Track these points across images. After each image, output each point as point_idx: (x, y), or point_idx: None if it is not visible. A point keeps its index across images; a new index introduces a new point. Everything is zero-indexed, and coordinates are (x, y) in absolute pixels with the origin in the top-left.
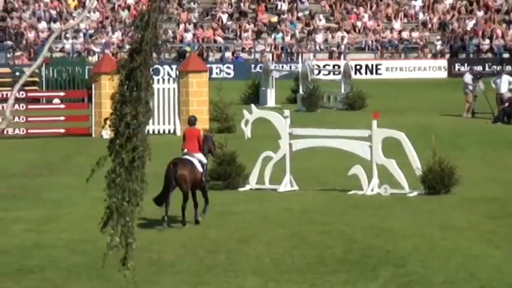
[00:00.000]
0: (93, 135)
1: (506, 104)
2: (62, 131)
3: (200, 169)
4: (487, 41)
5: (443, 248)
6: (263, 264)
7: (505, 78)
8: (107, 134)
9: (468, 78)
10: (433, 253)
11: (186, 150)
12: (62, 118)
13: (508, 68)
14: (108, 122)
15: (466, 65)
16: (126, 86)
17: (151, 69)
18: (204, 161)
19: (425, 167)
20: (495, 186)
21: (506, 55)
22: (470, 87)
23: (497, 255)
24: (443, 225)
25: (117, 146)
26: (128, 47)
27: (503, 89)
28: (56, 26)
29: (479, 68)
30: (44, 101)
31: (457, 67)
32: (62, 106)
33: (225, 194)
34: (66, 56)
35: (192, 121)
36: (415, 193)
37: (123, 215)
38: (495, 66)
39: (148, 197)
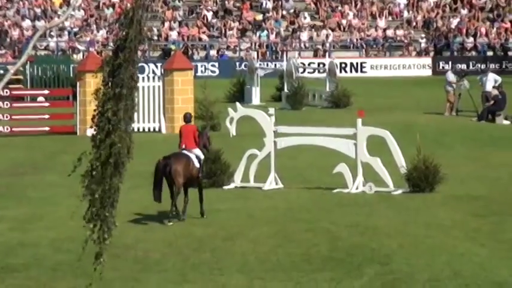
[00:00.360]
0: (78, 133)
1: (492, 102)
2: (47, 129)
3: (197, 164)
4: (471, 39)
5: (428, 246)
6: (248, 262)
7: (491, 76)
8: (91, 132)
9: (451, 77)
10: (417, 251)
11: (184, 147)
12: (47, 116)
13: (492, 65)
14: (95, 121)
15: (450, 63)
16: (109, 83)
17: (135, 66)
18: (202, 156)
19: (410, 165)
20: (479, 184)
21: (490, 53)
22: (454, 86)
23: (481, 253)
24: (428, 223)
25: (96, 141)
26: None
27: (489, 87)
28: (40, 24)
29: (463, 66)
30: (29, 99)
31: (441, 65)
32: (47, 104)
33: (210, 192)
34: (51, 54)
35: (187, 118)
36: (399, 191)
37: (102, 210)
38: (479, 65)
39: (133, 194)
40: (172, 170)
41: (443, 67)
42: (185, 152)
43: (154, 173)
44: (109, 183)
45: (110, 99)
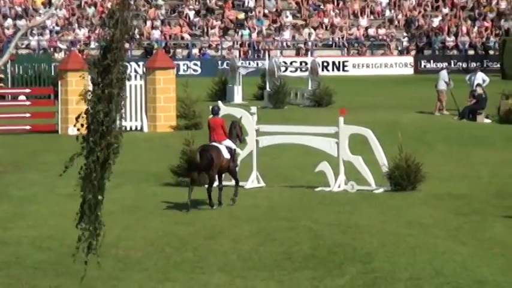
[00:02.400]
0: (59, 132)
1: (474, 101)
2: (28, 127)
3: (227, 155)
4: (453, 37)
5: (410, 245)
6: (230, 260)
7: (479, 75)
8: (73, 130)
9: (445, 75)
10: (399, 249)
11: (214, 139)
12: (28, 115)
13: (473, 64)
14: (80, 120)
15: (432, 61)
16: (99, 84)
17: (123, 66)
18: (233, 146)
19: (392, 164)
20: (461, 182)
21: (471, 52)
22: (451, 85)
23: (463, 251)
24: (410, 222)
25: (91, 144)
26: (94, 44)
27: (478, 86)
28: (21, 23)
29: (444, 65)
30: (10, 98)
31: (423, 64)
32: (28, 103)
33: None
34: (32, 53)
35: (215, 111)
36: (381, 190)
37: (96, 211)
38: (460, 63)
39: (115, 193)
40: (205, 161)
41: (425, 66)
42: (215, 143)
43: (189, 163)
44: (103, 183)
45: (100, 100)
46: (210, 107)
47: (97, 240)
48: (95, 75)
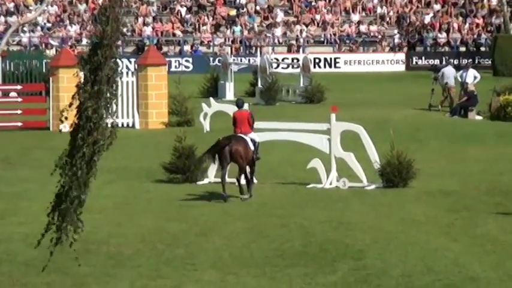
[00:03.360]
0: (51, 128)
1: (465, 98)
2: (20, 124)
3: (252, 147)
4: (444, 34)
5: (401, 241)
6: (222, 257)
7: (471, 72)
8: (65, 127)
9: (453, 71)
10: (391, 246)
11: (239, 131)
12: (19, 112)
13: (465, 61)
14: (64, 114)
15: (423, 58)
16: (89, 81)
17: (115, 63)
18: (257, 139)
19: (384, 161)
20: (452, 179)
21: (462, 48)
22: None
23: (454, 248)
24: (401, 219)
25: (78, 140)
26: (85, 40)
27: (469, 82)
28: (12, 19)
29: (436, 62)
30: (1, 95)
31: (414, 60)
32: (19, 99)
33: (184, 187)
34: (23, 50)
35: (240, 104)
36: (373, 186)
37: (79, 206)
38: (452, 60)
39: (106, 190)
40: (234, 150)
41: (416, 62)
42: (242, 135)
43: (213, 146)
44: (88, 180)
45: (91, 97)
46: (235, 101)
47: (72, 236)
48: (86, 72)
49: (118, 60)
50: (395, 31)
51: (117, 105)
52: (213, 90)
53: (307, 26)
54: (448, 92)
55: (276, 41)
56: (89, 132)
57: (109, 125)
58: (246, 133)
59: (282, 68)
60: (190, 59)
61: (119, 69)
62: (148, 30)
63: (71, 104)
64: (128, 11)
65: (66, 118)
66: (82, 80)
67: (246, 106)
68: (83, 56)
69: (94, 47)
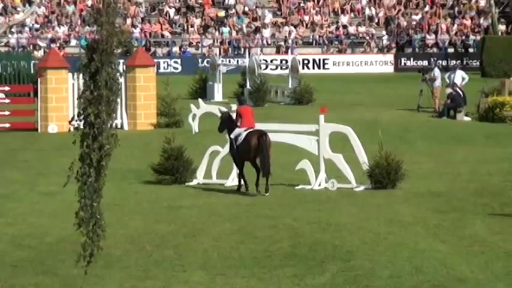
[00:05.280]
0: (39, 130)
1: (449, 101)
2: (7, 125)
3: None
4: (433, 35)
5: (390, 243)
6: (210, 258)
7: (459, 73)
8: (53, 129)
9: (438, 72)
10: (379, 247)
11: (247, 126)
12: (7, 113)
13: (453, 62)
14: (73, 123)
15: (412, 59)
16: (89, 86)
17: (114, 67)
18: None
19: (372, 162)
20: (440, 180)
21: (451, 50)
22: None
23: (442, 249)
24: (390, 220)
25: (84, 148)
26: (74, 41)
27: (457, 83)
28: (0, 20)
29: (424, 63)
30: None
31: (403, 61)
32: (7, 101)
33: (173, 188)
34: (11, 51)
35: (242, 100)
36: (361, 188)
37: (95, 215)
38: (440, 61)
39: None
40: (267, 143)
41: (405, 64)
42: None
43: (261, 149)
44: (101, 186)
45: (91, 102)
46: (238, 98)
47: (98, 246)
48: (87, 78)
49: (116, 65)
50: (384, 32)
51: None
52: (202, 92)
53: (295, 27)
54: (434, 92)
55: (264, 42)
56: (93, 138)
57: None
58: (253, 127)
59: (271, 69)
60: (178, 60)
61: (117, 74)
62: (136, 32)
63: (79, 114)
64: (117, 12)
65: (76, 129)
66: (83, 85)
67: (234, 107)
68: (83, 62)
69: (90, 52)
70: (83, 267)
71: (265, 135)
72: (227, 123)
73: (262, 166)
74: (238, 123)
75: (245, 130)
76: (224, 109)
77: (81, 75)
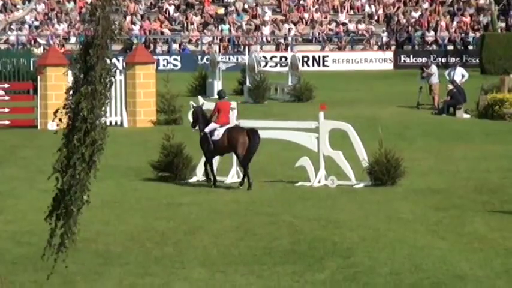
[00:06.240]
0: (38, 127)
1: (449, 98)
2: (7, 122)
3: None
4: (432, 32)
5: (389, 240)
6: (210, 255)
7: (459, 70)
8: (53, 126)
9: (435, 69)
10: (379, 244)
11: (224, 122)
12: (7, 110)
13: (453, 59)
14: (58, 114)
15: (411, 56)
16: (82, 81)
17: (108, 63)
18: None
19: (372, 159)
20: (440, 177)
21: (450, 47)
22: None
23: (442, 246)
24: (390, 217)
25: (75, 141)
26: (73, 38)
27: (457, 80)
28: (0, 18)
29: (424, 60)
30: None
31: (402, 59)
32: (7, 98)
33: (172, 185)
34: (11, 48)
35: (222, 95)
36: (361, 185)
37: (74, 208)
38: (440, 58)
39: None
40: (258, 142)
41: (404, 61)
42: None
43: (249, 148)
44: (88, 181)
45: (84, 97)
46: (218, 92)
47: (71, 238)
48: (78, 72)
49: (110, 60)
50: (384, 29)
51: (110, 105)
52: (202, 89)
53: (295, 24)
54: (433, 90)
55: (264, 39)
56: (85, 133)
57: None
58: (229, 123)
59: (270, 66)
60: (178, 58)
61: (113, 69)
62: (136, 29)
63: (65, 106)
64: (116, 9)
65: (60, 120)
66: (73, 81)
67: (234, 105)
68: (75, 56)
69: (85, 47)
70: (52, 255)
71: (257, 133)
72: (200, 117)
73: (244, 159)
74: (214, 118)
75: (221, 126)
76: (195, 104)
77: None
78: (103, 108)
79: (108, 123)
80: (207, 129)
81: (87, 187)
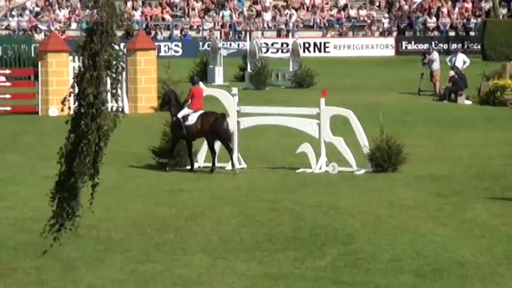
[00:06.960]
0: (39, 113)
1: (450, 84)
2: (8, 109)
3: None
4: (434, 19)
5: (391, 226)
6: (211, 242)
7: (460, 56)
8: (54, 112)
9: (437, 55)
10: (380, 231)
11: (196, 108)
12: (8, 96)
13: (454, 45)
14: (66, 103)
15: (413, 42)
16: (88, 67)
17: (114, 48)
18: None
19: (373, 145)
20: (441, 164)
21: (452, 33)
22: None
23: (443, 233)
24: (391, 203)
25: (82, 127)
26: (74, 24)
27: (458, 66)
28: (0, 3)
29: (426, 46)
30: None
31: (404, 45)
32: (8, 84)
33: (173, 172)
34: (12, 34)
35: (196, 80)
36: (362, 171)
37: (78, 191)
38: (441, 44)
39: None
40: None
41: (406, 47)
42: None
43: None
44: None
45: (90, 83)
46: (191, 78)
47: (73, 221)
48: (86, 59)
49: (118, 45)
50: (385, 15)
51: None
52: (203, 75)
53: (296, 10)
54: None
55: (265, 25)
56: (92, 119)
57: (113, 110)
58: (201, 109)
59: (272, 52)
60: (179, 44)
61: (120, 54)
62: (137, 15)
63: (71, 93)
64: None
65: (69, 108)
66: (79, 67)
67: (235, 91)
68: (79, 43)
69: (90, 34)
70: (52, 234)
71: (225, 119)
72: (172, 101)
73: (227, 147)
74: (187, 104)
75: (194, 112)
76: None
77: (76, 58)
78: (115, 95)
79: (109, 109)
80: (179, 115)
81: (97, 171)
